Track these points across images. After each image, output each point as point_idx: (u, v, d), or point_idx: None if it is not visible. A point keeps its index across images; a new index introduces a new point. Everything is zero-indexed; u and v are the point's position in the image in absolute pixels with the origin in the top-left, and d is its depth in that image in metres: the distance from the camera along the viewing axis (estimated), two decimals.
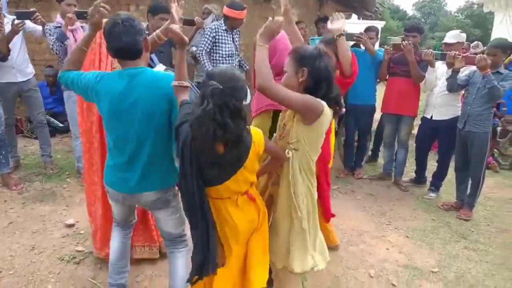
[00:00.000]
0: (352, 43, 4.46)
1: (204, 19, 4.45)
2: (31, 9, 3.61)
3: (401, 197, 4.17)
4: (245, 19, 4.48)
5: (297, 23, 4.37)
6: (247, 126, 1.58)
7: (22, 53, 3.87)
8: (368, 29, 4.58)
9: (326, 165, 2.70)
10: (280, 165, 1.87)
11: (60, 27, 3.58)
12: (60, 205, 3.47)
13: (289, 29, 2.76)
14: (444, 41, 4.10)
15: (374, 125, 5.06)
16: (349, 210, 3.76)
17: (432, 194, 4.17)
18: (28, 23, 3.72)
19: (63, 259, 2.66)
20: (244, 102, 1.57)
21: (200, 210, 1.58)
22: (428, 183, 4.36)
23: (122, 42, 1.68)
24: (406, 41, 3.83)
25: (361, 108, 4.42)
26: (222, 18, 4.19)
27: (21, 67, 3.85)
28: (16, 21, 3.46)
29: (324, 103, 1.72)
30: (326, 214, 2.77)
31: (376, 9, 6.09)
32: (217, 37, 4.14)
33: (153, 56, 3.70)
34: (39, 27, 3.78)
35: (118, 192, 1.90)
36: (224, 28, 4.17)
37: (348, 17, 7.34)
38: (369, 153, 5.36)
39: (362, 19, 8.53)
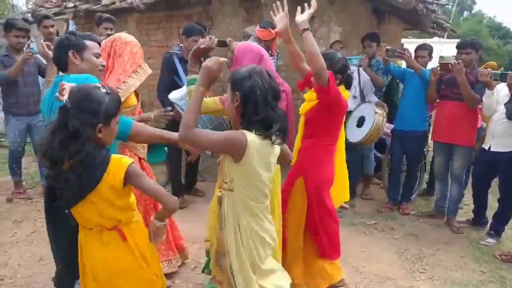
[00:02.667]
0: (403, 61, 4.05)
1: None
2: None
3: (450, 241, 3.54)
4: (278, 40, 4.36)
5: (334, 43, 4.12)
6: (102, 153, 1.45)
7: None
8: (419, 47, 4.13)
9: (324, 192, 2.40)
10: (168, 216, 1.69)
11: None
12: None
13: (288, 49, 2.58)
14: None
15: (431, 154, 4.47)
16: (379, 251, 3.29)
17: (490, 240, 3.47)
18: None
19: None
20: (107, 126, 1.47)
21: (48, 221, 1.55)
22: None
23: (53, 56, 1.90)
24: (454, 60, 3.31)
25: (408, 135, 3.92)
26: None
27: None
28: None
29: (249, 134, 1.50)
30: (320, 250, 2.43)
31: (434, 25, 5.48)
32: None
33: (182, 75, 3.78)
34: None
35: None
36: None
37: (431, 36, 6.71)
38: (425, 186, 4.75)
39: (440, 37, 7.80)
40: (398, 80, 4.48)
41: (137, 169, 1.53)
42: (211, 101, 2.19)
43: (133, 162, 1.51)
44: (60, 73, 1.93)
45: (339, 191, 2.70)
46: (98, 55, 1.95)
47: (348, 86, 2.58)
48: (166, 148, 2.87)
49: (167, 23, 5.59)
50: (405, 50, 3.59)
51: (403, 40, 12.52)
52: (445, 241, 3.53)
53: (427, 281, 2.88)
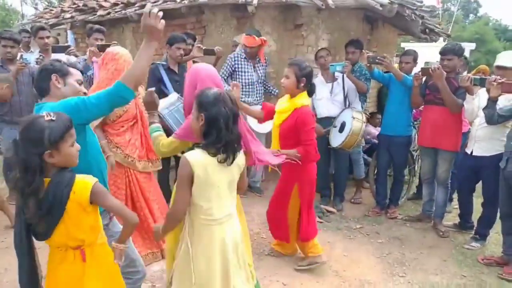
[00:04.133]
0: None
1: (233, 51, 4.52)
2: (67, 44, 4.06)
3: (435, 244, 3.56)
4: (267, 47, 4.45)
5: (319, 50, 4.18)
6: (66, 175, 1.52)
7: None
8: (404, 53, 4.19)
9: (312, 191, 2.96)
10: (131, 233, 1.73)
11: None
12: None
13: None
14: (496, 64, 3.44)
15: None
16: (361, 255, 3.32)
17: (475, 244, 3.48)
18: (73, 60, 4.17)
19: None
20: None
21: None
22: None
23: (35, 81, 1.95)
24: (434, 66, 3.35)
25: (393, 140, 3.97)
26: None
27: None
28: (38, 55, 3.87)
29: (192, 160, 1.65)
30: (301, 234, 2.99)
31: (426, 30, 5.49)
32: (236, 65, 4.15)
33: (168, 84, 3.88)
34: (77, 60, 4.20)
35: None
36: (243, 56, 4.18)
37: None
38: (415, 190, 4.77)
39: (434, 41, 7.81)
40: None
41: (101, 188, 1.59)
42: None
43: (97, 181, 1.58)
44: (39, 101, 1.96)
45: None
46: (80, 82, 2.01)
47: (310, 94, 2.80)
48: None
49: (162, 33, 5.71)
50: (385, 57, 3.64)
51: (405, 45, 12.59)
52: (429, 245, 3.55)
53: (406, 284, 2.91)
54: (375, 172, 4.43)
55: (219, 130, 1.63)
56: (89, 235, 1.61)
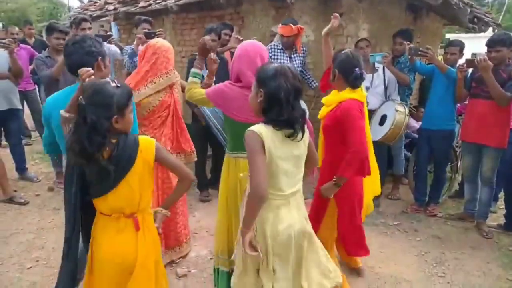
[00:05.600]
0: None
1: (270, 41, 4.49)
2: (108, 33, 4.19)
3: (477, 245, 3.40)
4: (304, 37, 4.38)
5: (359, 41, 4.06)
6: (129, 136, 1.58)
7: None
8: (450, 44, 3.98)
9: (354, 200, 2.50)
10: (187, 189, 1.76)
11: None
12: None
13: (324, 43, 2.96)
14: None
15: None
16: (398, 252, 3.23)
17: None
18: (113, 48, 4.31)
19: None
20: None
21: (72, 217, 1.62)
22: None
23: (71, 60, 1.88)
24: (479, 57, 3.16)
25: (435, 134, 3.80)
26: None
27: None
28: None
29: (257, 128, 1.59)
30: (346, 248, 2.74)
31: (474, 20, 5.15)
32: (272, 56, 4.12)
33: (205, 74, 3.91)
34: (117, 50, 4.33)
35: None
36: (280, 47, 4.14)
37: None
38: (457, 187, 4.56)
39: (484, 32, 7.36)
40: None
41: (161, 145, 1.71)
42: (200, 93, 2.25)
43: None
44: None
45: (370, 184, 2.67)
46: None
47: (352, 86, 2.35)
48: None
49: (200, 24, 5.76)
50: (428, 49, 3.47)
51: (451, 36, 11.98)
52: (472, 245, 3.39)
53: (445, 285, 2.81)
54: (415, 167, 4.27)
55: (279, 106, 1.57)
56: (146, 198, 1.68)
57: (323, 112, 2.52)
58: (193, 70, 2.30)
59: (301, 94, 1.68)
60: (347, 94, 2.32)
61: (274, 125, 1.60)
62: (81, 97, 1.53)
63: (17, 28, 6.29)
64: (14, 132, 4.49)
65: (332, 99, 2.44)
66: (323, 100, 2.54)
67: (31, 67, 4.57)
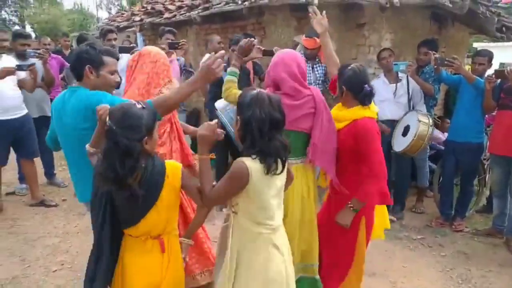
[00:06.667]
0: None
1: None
2: (131, 45, 4.31)
3: (507, 262, 3.26)
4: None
5: (382, 51, 4.02)
6: (156, 160, 1.57)
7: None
8: (478, 54, 3.89)
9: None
10: (205, 216, 1.74)
11: None
12: None
13: (324, 52, 2.62)
14: None
15: None
16: (421, 267, 3.14)
17: None
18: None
19: None
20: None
21: (99, 241, 1.62)
22: None
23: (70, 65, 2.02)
24: (510, 67, 3.07)
25: (462, 146, 3.70)
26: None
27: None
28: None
29: (247, 160, 1.54)
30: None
31: (500, 28, 5.01)
32: None
33: None
34: None
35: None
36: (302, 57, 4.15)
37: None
38: (484, 202, 4.41)
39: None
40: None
41: (185, 170, 1.72)
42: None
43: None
44: (74, 83, 2.06)
45: (381, 216, 2.49)
46: (114, 72, 2.04)
47: (362, 103, 2.18)
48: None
49: (223, 34, 5.84)
50: (455, 59, 3.39)
51: (478, 45, 11.67)
52: (500, 262, 3.26)
53: None
54: (440, 180, 4.16)
55: (252, 136, 1.53)
56: (173, 221, 1.70)
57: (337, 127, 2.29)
58: (231, 69, 2.30)
59: (281, 126, 1.59)
60: (361, 111, 2.17)
61: (259, 158, 1.54)
62: (109, 121, 1.49)
63: (49, 39, 6.57)
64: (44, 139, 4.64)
65: (344, 115, 2.24)
66: (334, 115, 2.28)
67: (61, 75, 4.74)
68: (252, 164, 1.54)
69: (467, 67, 5.24)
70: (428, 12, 4.79)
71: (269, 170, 1.53)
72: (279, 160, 1.56)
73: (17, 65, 3.67)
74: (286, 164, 1.65)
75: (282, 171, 1.60)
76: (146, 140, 1.52)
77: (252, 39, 4.08)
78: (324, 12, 2.52)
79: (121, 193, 1.52)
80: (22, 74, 3.91)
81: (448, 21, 5.33)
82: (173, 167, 1.64)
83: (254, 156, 1.55)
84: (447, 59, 3.52)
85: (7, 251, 3.24)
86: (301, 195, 2.17)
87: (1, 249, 3.27)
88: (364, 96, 2.14)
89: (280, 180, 1.64)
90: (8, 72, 3.56)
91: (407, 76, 3.88)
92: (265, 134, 1.52)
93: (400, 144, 3.64)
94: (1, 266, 3.02)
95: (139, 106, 1.55)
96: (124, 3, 30.50)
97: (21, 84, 3.95)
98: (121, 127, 1.45)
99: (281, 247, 1.66)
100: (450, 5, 3.76)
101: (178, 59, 4.37)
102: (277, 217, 1.67)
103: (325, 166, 2.19)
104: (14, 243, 3.38)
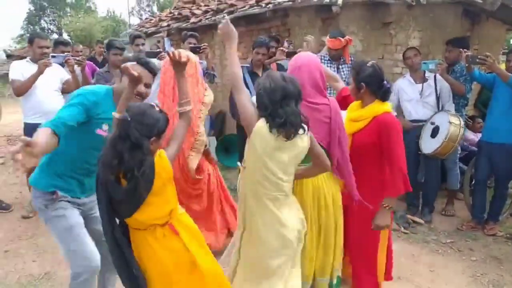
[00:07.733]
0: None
1: (319, 51, 4.48)
2: (158, 50, 4.39)
3: None
4: (351, 47, 4.31)
5: (407, 50, 3.92)
6: (149, 160, 1.59)
7: None
8: (511, 51, 3.71)
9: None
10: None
11: None
12: None
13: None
14: None
15: None
16: (450, 272, 3.03)
17: None
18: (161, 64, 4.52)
19: None
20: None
21: (110, 237, 1.66)
22: None
23: None
24: None
25: (498, 148, 3.53)
26: None
27: None
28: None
29: (260, 121, 1.68)
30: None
31: None
32: None
33: (251, 86, 3.98)
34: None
35: None
36: (327, 58, 4.11)
37: None
38: None
39: None
40: None
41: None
42: None
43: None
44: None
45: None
46: (148, 86, 1.96)
47: (382, 99, 2.23)
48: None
49: (248, 37, 5.90)
50: (488, 57, 3.26)
51: None
52: None
53: None
54: (471, 182, 4.00)
55: (263, 103, 1.68)
56: (174, 207, 1.74)
57: (351, 128, 2.26)
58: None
59: (294, 97, 1.68)
60: (380, 107, 2.20)
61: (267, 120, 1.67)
62: (126, 113, 1.56)
63: (81, 46, 6.85)
64: None
65: (362, 114, 2.25)
66: (349, 116, 2.32)
67: (92, 81, 4.93)
68: (259, 123, 1.69)
69: (503, 65, 5.02)
70: (460, 8, 4.62)
71: (271, 127, 1.63)
72: (288, 125, 1.62)
73: (52, 56, 3.67)
74: (301, 141, 1.73)
75: (289, 139, 1.66)
76: (153, 141, 1.60)
77: (283, 49, 4.08)
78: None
79: (117, 186, 1.58)
80: (64, 74, 3.96)
81: (481, 17, 5.13)
82: (161, 160, 1.67)
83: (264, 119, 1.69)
84: (479, 56, 3.36)
85: (40, 248, 3.40)
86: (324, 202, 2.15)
87: (35, 246, 3.43)
88: (384, 93, 2.22)
89: (287, 155, 1.72)
90: (45, 64, 3.57)
91: (435, 76, 3.76)
92: (277, 102, 1.64)
93: (429, 146, 3.53)
94: (35, 262, 3.17)
95: (157, 109, 1.64)
96: (155, 9, 31.37)
97: (66, 86, 3.96)
98: (138, 122, 1.54)
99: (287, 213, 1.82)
100: (480, 1, 3.61)
101: (201, 62, 4.44)
102: (283, 188, 1.78)
103: (347, 180, 2.16)
104: (46, 240, 3.53)
